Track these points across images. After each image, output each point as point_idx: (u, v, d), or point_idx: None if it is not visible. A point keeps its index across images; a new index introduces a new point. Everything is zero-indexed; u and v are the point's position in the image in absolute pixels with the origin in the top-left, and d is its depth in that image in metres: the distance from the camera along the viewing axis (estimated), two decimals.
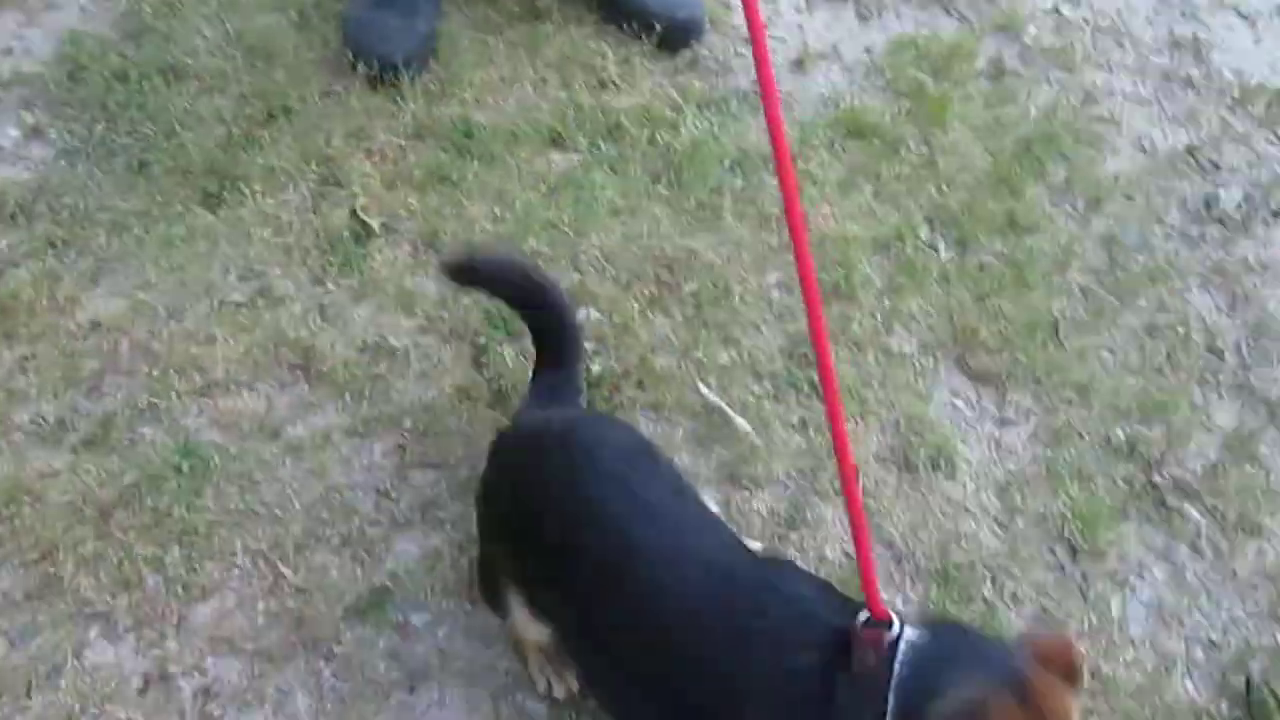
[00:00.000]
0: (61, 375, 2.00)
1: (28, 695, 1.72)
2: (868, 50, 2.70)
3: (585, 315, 2.17)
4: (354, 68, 2.40)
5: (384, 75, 2.38)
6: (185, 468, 1.91)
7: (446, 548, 1.90)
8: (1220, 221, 2.52)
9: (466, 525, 1.91)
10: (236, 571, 1.86)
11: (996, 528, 2.04)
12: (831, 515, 1.99)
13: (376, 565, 1.88)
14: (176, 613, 1.81)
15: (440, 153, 2.35)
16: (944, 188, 2.43)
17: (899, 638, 1.31)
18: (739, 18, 2.69)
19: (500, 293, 1.88)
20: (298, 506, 1.91)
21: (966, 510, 2.05)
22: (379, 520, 1.93)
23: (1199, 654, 1.96)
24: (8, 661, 1.74)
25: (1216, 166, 2.62)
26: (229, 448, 1.96)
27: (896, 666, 1.28)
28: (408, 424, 2.02)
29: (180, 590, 1.83)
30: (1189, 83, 2.77)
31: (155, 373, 2.02)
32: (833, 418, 1.33)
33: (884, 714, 1.24)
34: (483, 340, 2.11)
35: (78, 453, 1.93)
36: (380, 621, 1.83)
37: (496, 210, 2.29)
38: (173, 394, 2.00)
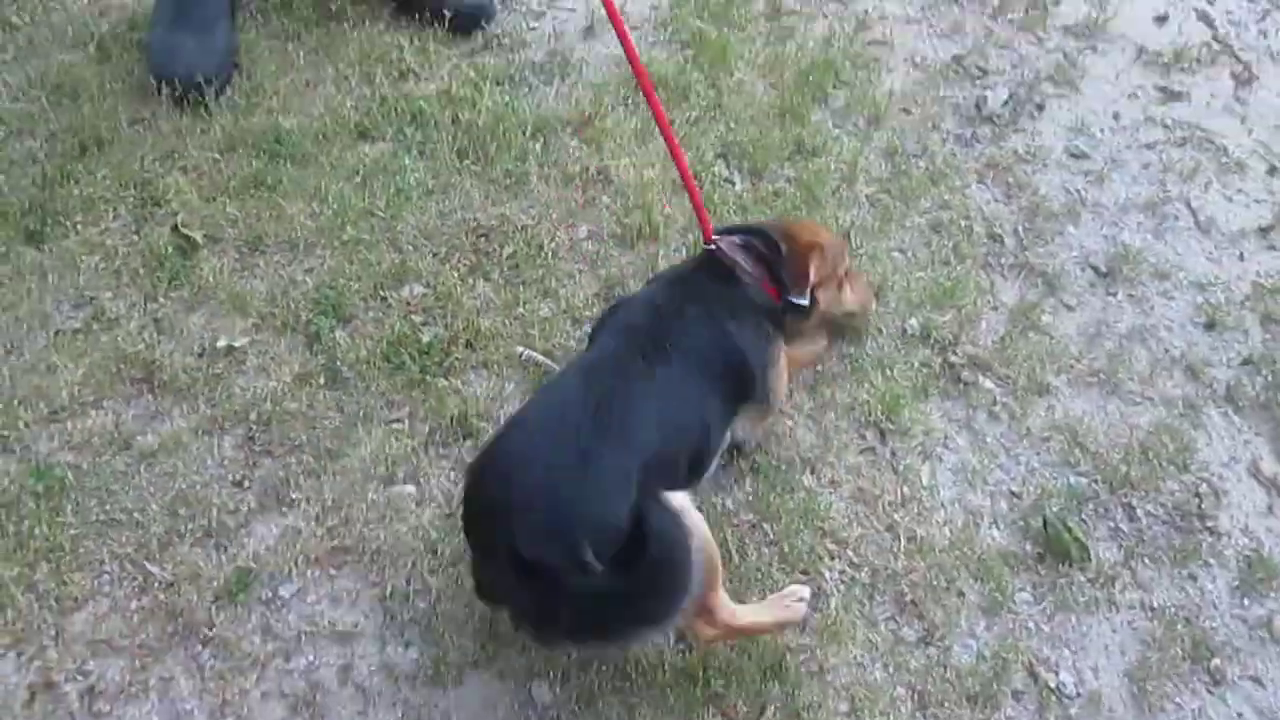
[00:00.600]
0: None
1: None
2: (654, 8, 2.86)
3: (410, 290, 2.30)
4: (159, 92, 2.49)
5: (188, 95, 2.48)
6: (41, 489, 2.00)
7: (303, 522, 2.03)
8: (991, 120, 2.75)
9: (320, 499, 2.04)
10: (106, 577, 1.96)
11: (810, 423, 2.23)
12: None
13: (239, 549, 2.00)
14: (53, 625, 1.91)
15: (253, 161, 2.45)
16: (733, 125, 2.61)
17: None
18: None
19: None
20: (156, 508, 2.02)
21: (782, 413, 2.23)
22: (236, 508, 2.04)
23: (1002, 505, 2.18)
24: None
25: (984, 71, 2.85)
26: (82, 465, 2.05)
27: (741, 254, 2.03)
28: (253, 416, 2.14)
29: (54, 603, 1.92)
30: None
31: (0, 407, 2.10)
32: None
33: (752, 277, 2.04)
34: (314, 328, 2.23)
35: None
36: (249, 600, 1.95)
37: (314, 207, 2.40)
38: (20, 424, 2.09)
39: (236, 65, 2.58)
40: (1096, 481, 2.21)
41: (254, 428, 2.13)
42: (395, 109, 2.56)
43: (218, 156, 2.45)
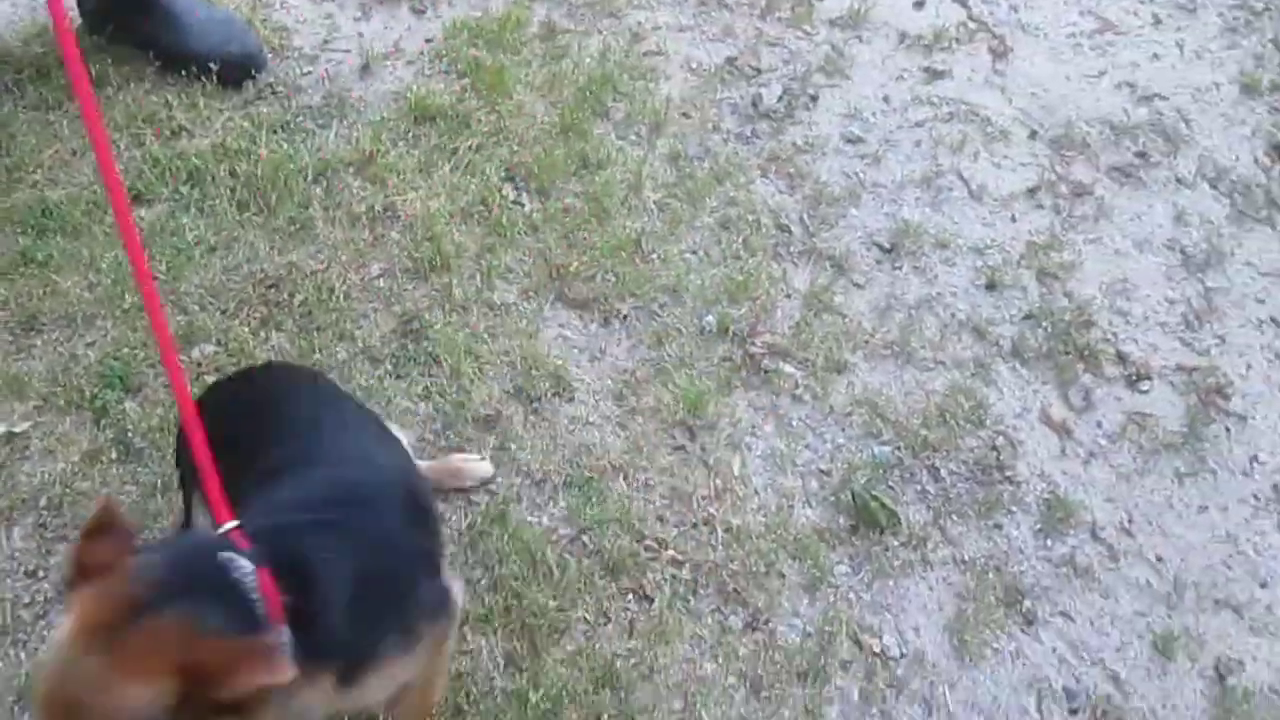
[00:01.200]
0: None
1: None
2: (428, 41, 2.86)
3: (200, 351, 2.24)
4: None
5: None
6: None
7: None
8: (768, 116, 2.83)
9: None
10: None
11: (619, 430, 2.25)
12: None
13: (38, 643, 1.91)
14: None
15: (20, 238, 2.36)
16: (516, 147, 2.63)
17: None
18: (299, 39, 2.82)
19: None
20: None
21: (589, 423, 2.25)
22: (32, 600, 1.95)
23: (813, 484, 2.24)
24: None
25: (757, 70, 2.94)
26: None
27: None
28: (42, 502, 2.05)
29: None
30: (722, 3, 3.08)
31: None
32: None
33: None
34: (100, 402, 2.15)
35: None
36: None
37: (91, 278, 2.32)
38: None
39: None
40: (900, 449, 2.30)
41: (44, 514, 2.04)
42: (169, 169, 2.49)
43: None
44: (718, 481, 2.20)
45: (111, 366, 2.19)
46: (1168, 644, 2.11)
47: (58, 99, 2.61)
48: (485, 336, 2.32)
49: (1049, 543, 2.22)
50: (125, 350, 2.23)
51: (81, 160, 2.52)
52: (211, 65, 2.62)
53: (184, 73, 2.65)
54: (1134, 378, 2.46)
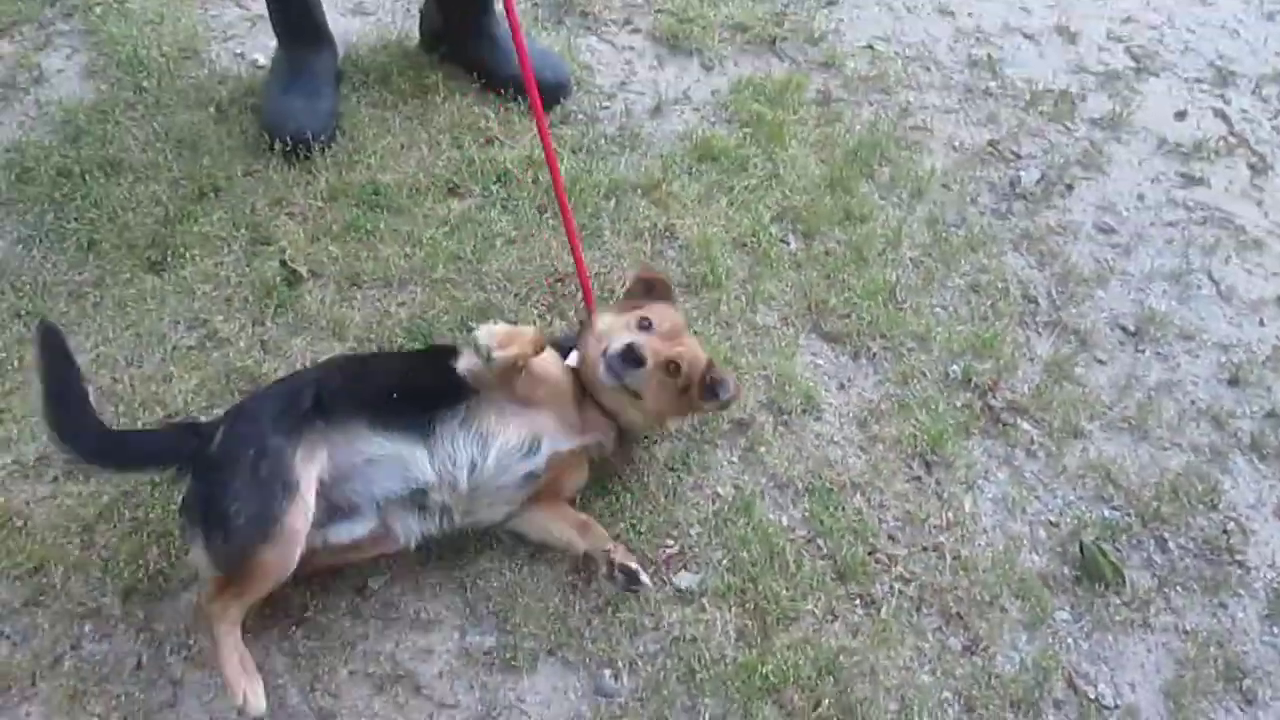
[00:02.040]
0: (37, 422, 2.27)
1: (33, 684, 1.96)
2: (714, 93, 3.15)
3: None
4: (271, 147, 2.77)
5: (297, 150, 2.75)
6: (155, 483, 2.19)
7: None
8: (1024, 197, 2.98)
9: None
10: None
11: (860, 453, 2.40)
12: None
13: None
14: (161, 601, 2.07)
15: (354, 209, 2.71)
16: (788, 193, 2.86)
17: None
18: (600, 78, 3.15)
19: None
20: None
21: (833, 442, 2.41)
22: None
23: (1041, 533, 2.32)
24: (11, 659, 1.98)
25: (1017, 155, 3.10)
26: None
27: None
28: None
29: (162, 582, 2.09)
30: (988, 93, 3.28)
31: (121, 409, 2.31)
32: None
33: None
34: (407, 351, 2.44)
35: (59, 482, 2.20)
36: (341, 588, 2.10)
37: (408, 250, 2.64)
38: (139, 425, 2.28)
39: (339, 128, 2.86)
40: (1129, 515, 2.36)
41: None
42: (482, 170, 2.82)
43: (321, 204, 2.70)
44: (949, 514, 2.31)
45: (419, 325, 2.49)
46: None
47: (394, 100, 3.00)
48: (746, 351, 2.52)
49: (1275, 630, 2.23)
50: (430, 314, 2.52)
51: (409, 153, 2.87)
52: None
53: (502, 92, 3.00)
54: None
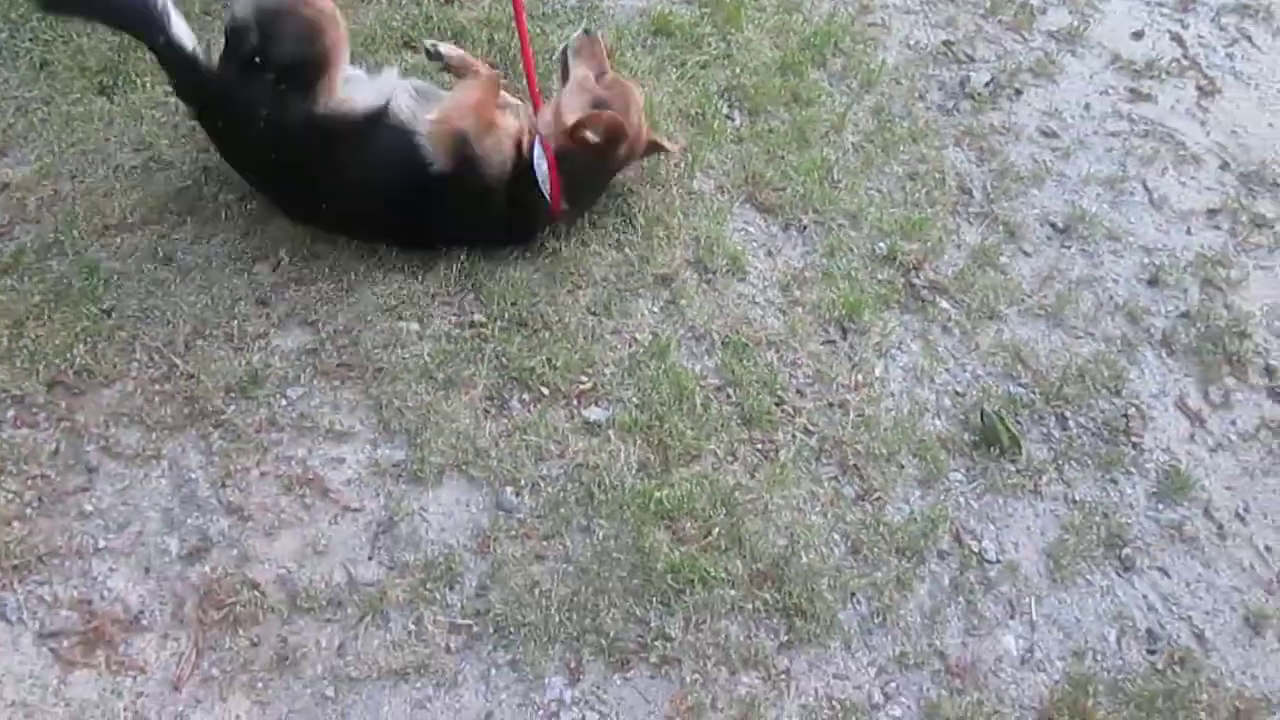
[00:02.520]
0: None
1: None
2: None
3: None
4: None
5: None
6: (87, 283, 2.25)
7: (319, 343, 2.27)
8: (972, 97, 3.03)
9: (334, 323, 2.28)
10: (135, 363, 2.19)
11: (779, 314, 2.47)
12: None
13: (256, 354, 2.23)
14: (84, 395, 2.14)
15: None
16: (738, 72, 2.90)
17: None
18: None
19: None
20: (186, 310, 2.26)
21: (754, 302, 2.47)
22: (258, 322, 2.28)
23: (946, 401, 2.40)
24: None
25: (970, 58, 3.14)
26: (127, 271, 2.30)
27: None
28: (283, 251, 2.38)
29: (86, 376, 2.15)
30: None
31: (61, 217, 2.36)
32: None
33: None
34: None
35: None
36: (260, 395, 2.18)
37: None
38: (76, 232, 2.34)
39: None
40: (1034, 393, 2.43)
41: (284, 257, 2.37)
42: (439, 28, 2.85)
43: None
44: (859, 376, 2.39)
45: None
46: (1260, 621, 2.17)
47: None
48: (678, 212, 2.58)
49: (1160, 507, 2.31)
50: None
51: (367, 6, 2.90)
52: None
53: None
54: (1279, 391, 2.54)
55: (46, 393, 2.13)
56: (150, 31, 2.21)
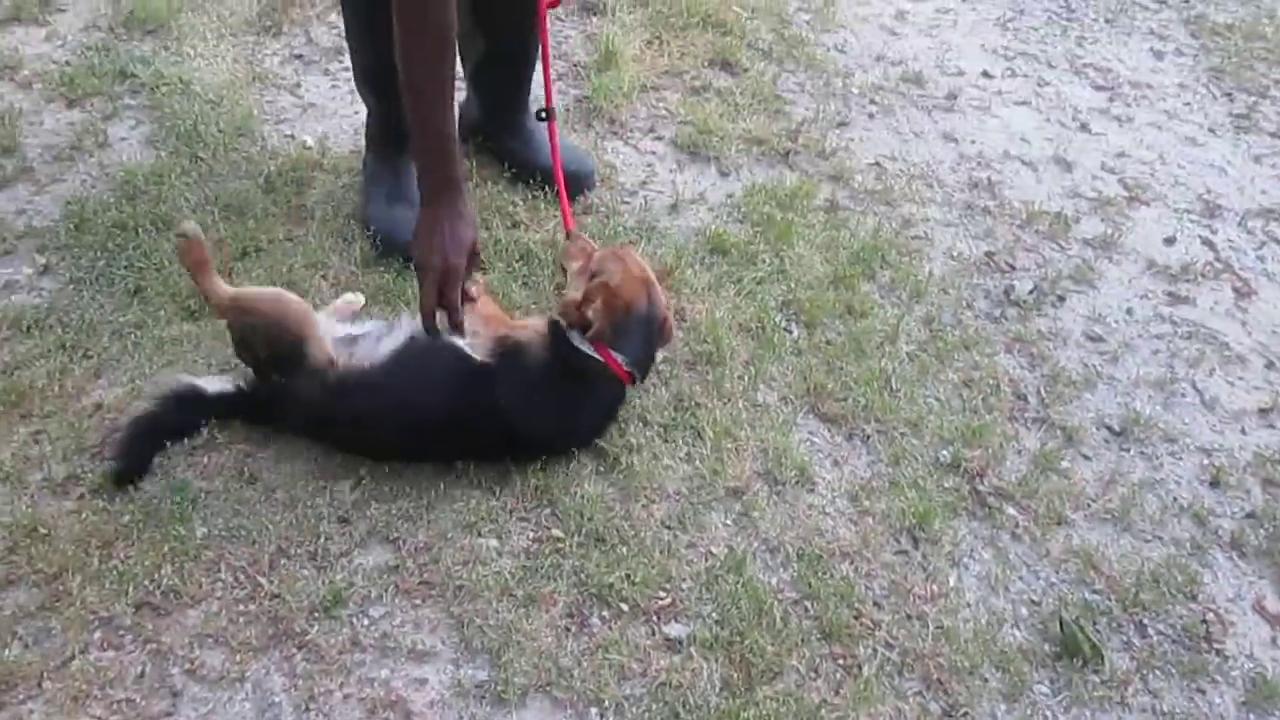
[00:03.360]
0: (69, 443, 2.41)
1: (39, 685, 2.03)
2: (729, 195, 3.35)
3: None
4: (379, 252, 2.93)
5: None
6: (177, 501, 2.30)
7: (400, 561, 2.30)
8: (1017, 305, 3.14)
9: (415, 540, 2.31)
10: (220, 583, 2.22)
11: (850, 524, 2.49)
12: None
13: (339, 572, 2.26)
14: (170, 615, 2.15)
15: (385, 275, 2.88)
16: (792, 287, 3.03)
17: None
18: (622, 176, 3.36)
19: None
20: (271, 529, 2.30)
21: (825, 513, 2.50)
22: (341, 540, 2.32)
23: (1023, 610, 2.39)
24: (22, 659, 2.06)
25: (1012, 267, 3.28)
26: (214, 489, 2.36)
27: None
28: (362, 471, 2.44)
29: (174, 597, 2.18)
30: (987, 211, 3.47)
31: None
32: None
33: None
34: None
35: (84, 499, 2.31)
36: (342, 615, 2.19)
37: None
38: (166, 453, 2.41)
39: None
40: (1110, 600, 2.43)
41: (365, 476, 2.43)
42: (507, 249, 3.00)
43: (355, 269, 2.88)
44: (934, 586, 2.39)
45: None
46: None
47: None
48: (745, 425, 2.64)
49: (1252, 717, 2.27)
50: None
51: None
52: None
53: (530, 181, 3.21)
54: None
55: (134, 614, 2.15)
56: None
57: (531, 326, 2.52)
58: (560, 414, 2.45)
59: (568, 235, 2.79)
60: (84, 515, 2.29)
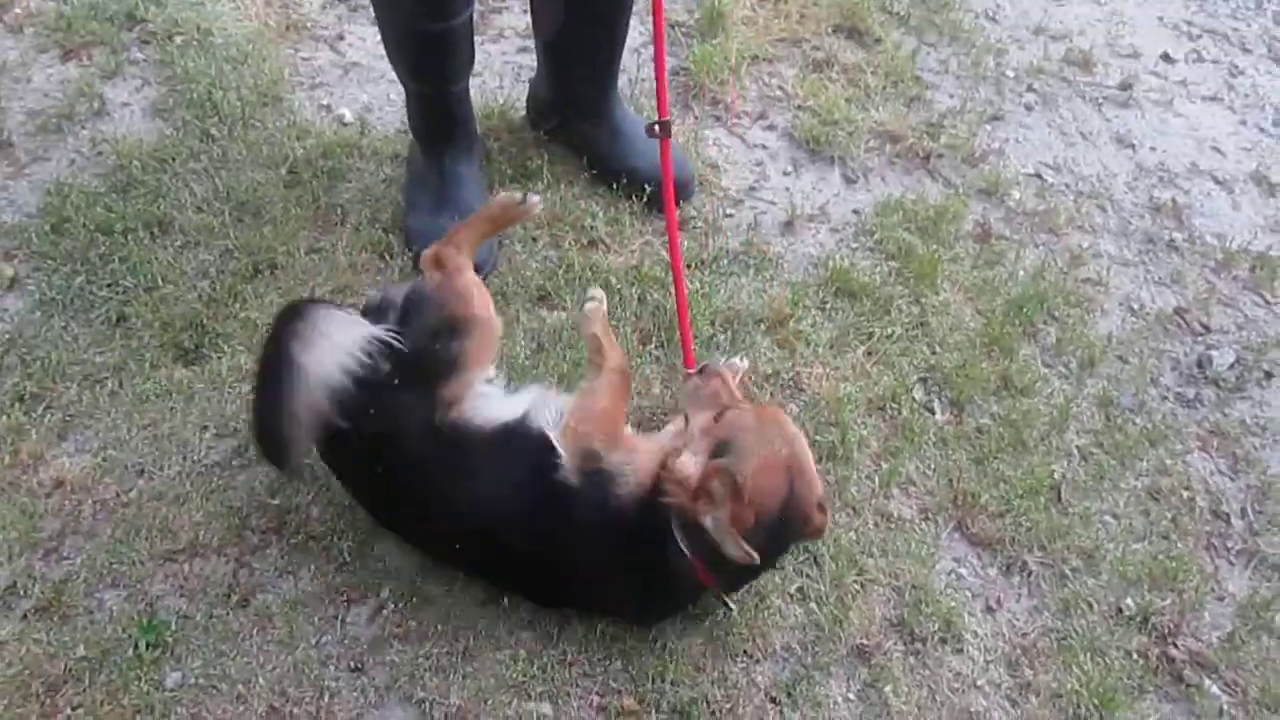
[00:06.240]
0: (19, 536, 1.90)
1: None
2: (856, 212, 2.71)
3: None
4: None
5: None
6: (143, 642, 1.78)
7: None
8: (1215, 383, 2.49)
9: (447, 702, 1.78)
10: None
11: (1008, 705, 1.92)
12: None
13: None
14: None
15: None
16: (936, 349, 2.41)
17: None
18: (726, 179, 2.72)
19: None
20: (263, 682, 1.78)
21: (975, 685, 1.93)
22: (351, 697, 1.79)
23: None
24: None
25: (1206, 329, 2.62)
26: (194, 616, 1.84)
27: None
28: (385, 593, 1.91)
29: None
30: (1172, 245, 2.80)
31: (119, 534, 1.91)
32: None
33: None
34: None
35: (28, 620, 1.81)
36: None
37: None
38: (136, 556, 1.89)
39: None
40: None
41: (387, 600, 1.90)
42: (580, 277, 2.41)
43: None
44: None
45: None
46: None
47: (491, 184, 2.58)
48: (875, 549, 2.06)
49: None
50: None
51: (501, 249, 2.47)
52: (645, 186, 2.54)
53: (614, 186, 2.59)
54: None
55: None
56: None
57: (639, 450, 1.84)
58: (625, 583, 1.84)
59: (689, 374, 1.99)
60: (26, 643, 1.78)
